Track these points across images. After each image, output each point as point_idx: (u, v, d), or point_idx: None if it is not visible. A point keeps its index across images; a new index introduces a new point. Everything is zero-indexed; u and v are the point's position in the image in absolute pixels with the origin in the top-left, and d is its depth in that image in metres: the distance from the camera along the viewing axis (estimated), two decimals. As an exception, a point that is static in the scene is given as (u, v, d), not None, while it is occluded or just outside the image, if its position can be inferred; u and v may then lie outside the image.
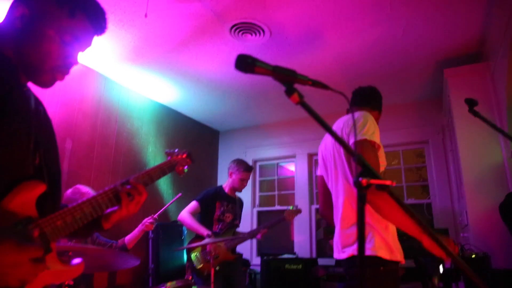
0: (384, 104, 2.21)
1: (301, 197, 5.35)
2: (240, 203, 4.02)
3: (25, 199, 0.92)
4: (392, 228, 1.79)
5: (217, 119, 5.70)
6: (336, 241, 1.87)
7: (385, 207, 1.55)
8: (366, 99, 2.14)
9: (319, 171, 2.16)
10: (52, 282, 0.95)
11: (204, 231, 3.56)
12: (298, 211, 3.89)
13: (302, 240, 5.18)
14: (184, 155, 1.47)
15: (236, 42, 3.48)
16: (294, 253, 5.00)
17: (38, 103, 1.13)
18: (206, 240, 3.39)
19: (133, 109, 4.56)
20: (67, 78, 1.08)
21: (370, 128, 1.72)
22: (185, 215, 3.75)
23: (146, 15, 3.01)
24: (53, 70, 1.03)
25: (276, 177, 5.81)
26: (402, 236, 1.78)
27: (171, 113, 5.18)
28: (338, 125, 1.94)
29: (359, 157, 0.91)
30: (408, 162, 5.20)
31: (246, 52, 3.58)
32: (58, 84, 1.08)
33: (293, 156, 5.62)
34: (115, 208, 1.15)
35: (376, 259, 1.66)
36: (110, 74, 4.18)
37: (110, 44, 3.55)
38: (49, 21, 1.01)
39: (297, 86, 0.95)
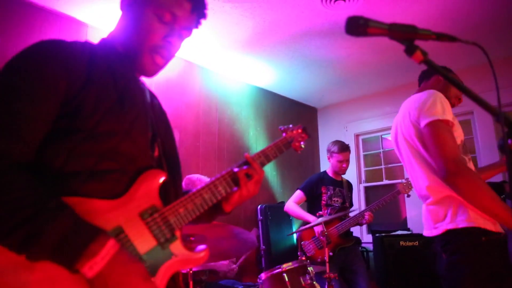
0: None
1: (411, 169, 4.97)
2: (348, 185, 3.87)
3: (149, 188, 0.95)
4: None
5: (314, 96, 5.56)
6: (426, 217, 1.78)
7: (469, 191, 1.50)
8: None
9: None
10: (179, 269, 0.97)
11: (309, 217, 3.51)
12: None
13: (415, 215, 4.86)
14: (300, 130, 1.38)
15: (329, 11, 3.30)
16: (408, 229, 4.72)
17: (153, 96, 1.17)
18: (314, 222, 3.34)
19: (231, 95, 4.67)
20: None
21: (440, 106, 1.67)
22: (290, 204, 3.73)
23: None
24: (151, 51, 1.03)
25: (381, 150, 5.51)
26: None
27: (268, 95, 5.21)
28: (405, 109, 1.85)
29: (504, 117, 0.80)
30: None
31: (340, 20, 3.41)
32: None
33: (398, 126, 5.24)
34: (234, 189, 1.13)
35: (476, 230, 1.56)
36: (208, 64, 4.31)
37: (216, 37, 3.67)
38: (148, 2, 1.03)
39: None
